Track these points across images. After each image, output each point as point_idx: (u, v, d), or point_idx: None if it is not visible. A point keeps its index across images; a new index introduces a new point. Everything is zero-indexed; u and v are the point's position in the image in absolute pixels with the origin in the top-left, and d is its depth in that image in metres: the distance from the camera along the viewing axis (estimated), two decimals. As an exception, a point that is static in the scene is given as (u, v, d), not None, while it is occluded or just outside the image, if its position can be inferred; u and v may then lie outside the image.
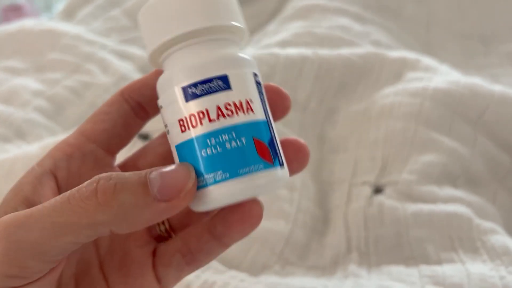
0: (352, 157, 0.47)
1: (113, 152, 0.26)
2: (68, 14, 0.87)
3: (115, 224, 0.19)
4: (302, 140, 0.24)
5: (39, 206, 0.20)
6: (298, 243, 0.40)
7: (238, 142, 0.21)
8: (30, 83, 0.62)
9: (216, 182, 0.20)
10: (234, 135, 0.20)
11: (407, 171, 0.43)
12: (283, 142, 0.24)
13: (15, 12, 1.59)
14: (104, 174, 0.20)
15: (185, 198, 0.20)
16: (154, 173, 0.20)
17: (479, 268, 0.35)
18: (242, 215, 0.22)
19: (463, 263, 0.36)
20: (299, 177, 0.44)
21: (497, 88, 0.49)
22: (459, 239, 0.38)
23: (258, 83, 0.22)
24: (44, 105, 0.59)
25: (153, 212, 0.20)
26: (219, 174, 0.20)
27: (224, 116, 0.21)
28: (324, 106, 0.52)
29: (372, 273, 0.37)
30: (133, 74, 0.65)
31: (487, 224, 0.39)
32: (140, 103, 0.25)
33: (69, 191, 0.20)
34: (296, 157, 0.24)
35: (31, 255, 0.19)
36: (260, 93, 0.22)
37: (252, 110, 0.21)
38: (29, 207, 0.22)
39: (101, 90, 0.61)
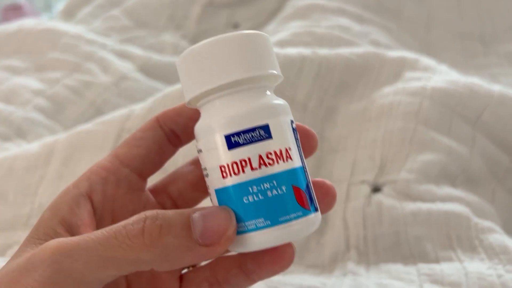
0: (351, 156, 0.47)
1: (145, 177, 0.26)
2: (68, 14, 0.88)
3: (157, 263, 0.20)
4: (328, 182, 0.25)
5: (85, 237, 0.20)
6: (297, 242, 0.41)
7: (279, 190, 0.22)
8: (30, 82, 0.62)
9: (257, 229, 0.21)
10: (275, 183, 0.21)
11: (406, 170, 0.43)
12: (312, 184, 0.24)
13: (15, 11, 1.59)
14: (150, 213, 0.21)
15: (225, 244, 0.21)
16: (197, 215, 0.21)
17: (477, 266, 0.35)
18: (274, 257, 0.23)
19: (461, 262, 0.36)
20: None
21: (496, 88, 0.49)
22: (457, 238, 0.38)
23: (294, 130, 0.23)
24: (44, 104, 0.59)
25: (194, 255, 0.21)
26: (261, 221, 0.21)
27: (265, 164, 0.22)
28: (324, 105, 0.52)
29: (371, 271, 0.37)
30: (133, 74, 0.65)
31: (485, 223, 0.39)
32: (173, 130, 0.26)
33: (115, 226, 0.20)
34: (324, 200, 0.25)
35: (74, 284, 0.20)
36: (296, 139, 0.23)
37: (290, 158, 0.22)
38: (67, 228, 0.23)
39: (101, 89, 0.62)
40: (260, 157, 0.21)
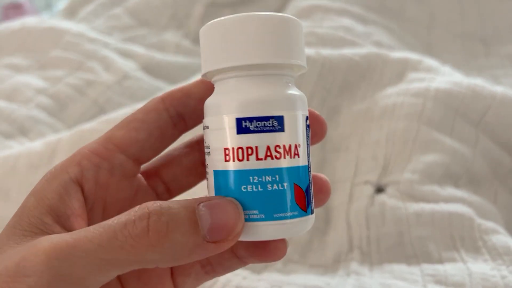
0: (354, 156, 0.47)
1: (141, 163, 0.24)
2: (70, 12, 0.88)
3: (163, 262, 0.19)
4: (324, 177, 0.24)
5: (82, 237, 0.19)
6: (300, 241, 0.41)
7: (280, 186, 0.21)
8: (33, 80, 0.62)
9: (250, 220, 0.21)
10: (277, 178, 0.21)
11: (409, 170, 0.43)
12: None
13: (15, 10, 1.59)
14: (153, 208, 0.19)
15: (233, 240, 0.20)
16: (204, 209, 0.19)
17: (480, 267, 0.35)
18: (266, 252, 0.22)
19: (465, 262, 0.36)
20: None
21: (499, 89, 0.49)
22: (461, 239, 0.38)
23: (307, 127, 0.22)
24: (47, 102, 0.59)
25: (201, 251, 0.19)
26: (255, 213, 0.21)
27: (272, 157, 0.21)
28: (326, 105, 0.52)
29: (374, 271, 0.37)
30: (136, 73, 0.65)
31: (488, 224, 0.39)
32: (181, 113, 0.24)
33: (114, 224, 0.19)
34: (318, 195, 0.24)
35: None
36: (307, 137, 0.22)
37: (298, 155, 0.21)
38: (55, 219, 0.21)
39: (104, 88, 0.61)
40: (268, 148, 0.21)
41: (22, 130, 0.55)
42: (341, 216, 0.42)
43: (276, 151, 0.21)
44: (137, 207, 0.19)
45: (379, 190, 0.43)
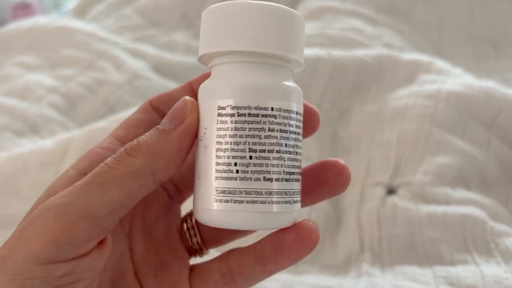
0: (365, 157, 0.47)
1: None
2: (80, 12, 0.88)
3: (150, 165, 0.21)
4: (342, 162, 0.24)
5: (78, 182, 0.20)
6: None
7: None
8: (44, 79, 0.62)
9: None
10: None
11: (421, 172, 0.43)
12: (324, 164, 0.24)
13: (24, 10, 1.60)
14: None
15: (192, 113, 0.22)
16: (164, 118, 0.22)
17: (493, 270, 0.35)
18: (299, 235, 0.21)
19: (477, 265, 0.36)
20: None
21: (511, 92, 0.49)
22: (473, 241, 0.38)
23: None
24: (58, 100, 0.59)
25: (175, 140, 0.21)
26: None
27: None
28: (338, 106, 0.52)
29: (386, 272, 0.37)
30: (146, 72, 0.65)
31: (501, 227, 0.39)
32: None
33: (101, 165, 0.21)
34: (337, 180, 0.24)
35: (81, 216, 0.19)
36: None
37: None
38: None
39: (114, 87, 0.62)
40: None
41: (34, 128, 0.55)
42: (352, 217, 0.42)
43: None
44: None
45: (391, 191, 0.43)
